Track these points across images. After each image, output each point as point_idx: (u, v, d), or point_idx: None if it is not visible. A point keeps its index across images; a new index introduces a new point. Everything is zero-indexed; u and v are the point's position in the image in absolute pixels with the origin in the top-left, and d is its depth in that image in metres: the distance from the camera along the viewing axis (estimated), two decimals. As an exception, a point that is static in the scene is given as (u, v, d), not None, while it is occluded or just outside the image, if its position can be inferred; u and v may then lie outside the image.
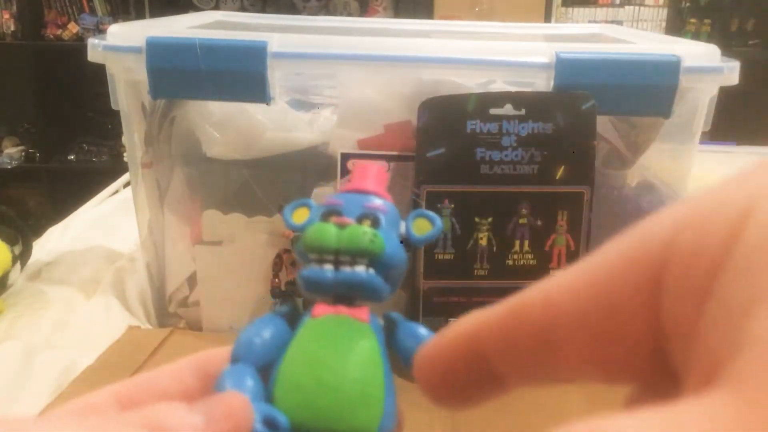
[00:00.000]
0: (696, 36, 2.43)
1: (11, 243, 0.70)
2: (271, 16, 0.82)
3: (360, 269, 0.25)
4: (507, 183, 0.52)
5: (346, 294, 0.26)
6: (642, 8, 2.38)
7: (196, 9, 2.40)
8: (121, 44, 0.54)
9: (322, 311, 0.26)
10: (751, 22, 2.50)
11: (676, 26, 2.41)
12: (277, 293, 0.58)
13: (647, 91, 0.52)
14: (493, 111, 0.52)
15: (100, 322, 0.63)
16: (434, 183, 0.52)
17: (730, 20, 2.50)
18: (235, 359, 0.24)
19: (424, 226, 0.28)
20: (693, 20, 2.48)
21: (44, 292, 0.68)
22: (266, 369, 0.24)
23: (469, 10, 2.23)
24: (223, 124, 0.57)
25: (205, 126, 0.57)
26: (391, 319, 0.27)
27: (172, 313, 0.64)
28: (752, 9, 2.49)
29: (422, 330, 0.27)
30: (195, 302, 0.62)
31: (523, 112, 0.52)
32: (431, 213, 0.27)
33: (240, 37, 0.53)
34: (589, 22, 2.37)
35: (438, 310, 0.54)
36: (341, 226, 0.26)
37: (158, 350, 0.57)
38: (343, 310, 0.26)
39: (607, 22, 2.36)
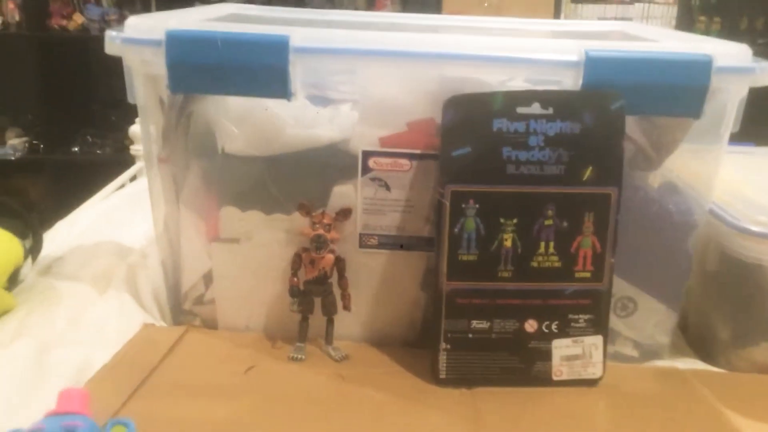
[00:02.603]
0: (706, 34, 2.41)
1: (22, 237, 0.69)
2: (287, 9, 0.81)
3: None
4: (533, 183, 0.51)
5: None
6: (652, 5, 2.36)
7: (203, 1, 2.39)
8: (140, 37, 0.52)
9: None
10: (761, 21, 2.49)
11: (685, 24, 2.39)
12: (295, 292, 0.57)
13: (677, 91, 0.51)
14: (520, 110, 0.51)
15: (114, 318, 0.62)
16: (459, 183, 0.51)
17: (740, 18, 2.48)
18: None
19: (120, 431, 0.37)
20: (702, 18, 2.46)
21: (56, 287, 0.67)
22: None
23: (477, 5, 2.21)
24: (241, 120, 0.56)
25: (223, 121, 0.56)
26: None
27: (187, 310, 0.63)
28: (762, 7, 2.47)
29: None
30: (210, 300, 0.61)
31: (550, 111, 0.51)
32: (126, 420, 0.37)
33: (260, 31, 0.51)
34: (599, 18, 2.35)
35: (461, 312, 0.53)
36: None
37: (174, 348, 0.57)
38: None
39: (616, 18, 2.34)
